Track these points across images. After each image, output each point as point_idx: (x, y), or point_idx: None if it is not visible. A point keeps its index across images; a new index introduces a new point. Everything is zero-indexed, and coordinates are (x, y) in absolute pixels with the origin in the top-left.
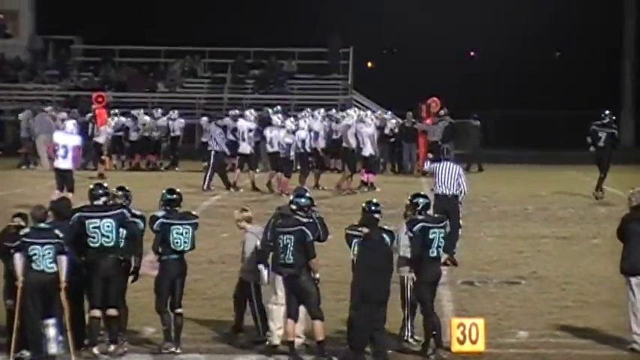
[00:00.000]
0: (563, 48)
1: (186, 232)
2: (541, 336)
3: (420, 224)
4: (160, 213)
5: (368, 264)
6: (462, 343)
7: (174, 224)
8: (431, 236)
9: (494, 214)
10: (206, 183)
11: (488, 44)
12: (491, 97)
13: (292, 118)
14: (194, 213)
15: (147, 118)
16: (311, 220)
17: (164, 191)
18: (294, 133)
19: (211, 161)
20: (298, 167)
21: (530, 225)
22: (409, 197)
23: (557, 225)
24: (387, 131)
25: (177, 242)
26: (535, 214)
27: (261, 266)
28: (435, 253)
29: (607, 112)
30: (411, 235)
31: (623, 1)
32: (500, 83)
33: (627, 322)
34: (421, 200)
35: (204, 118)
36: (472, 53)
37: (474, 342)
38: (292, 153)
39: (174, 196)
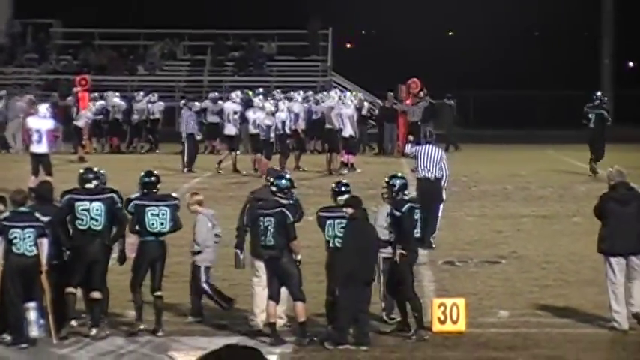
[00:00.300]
0: (541, 28)
1: (162, 214)
2: (522, 315)
3: (409, 204)
4: (134, 195)
5: (354, 244)
6: (443, 322)
7: (149, 206)
8: (416, 217)
9: (474, 194)
10: (185, 166)
11: (466, 25)
12: (470, 78)
13: (272, 100)
14: (174, 195)
15: (116, 100)
16: (291, 202)
17: (142, 174)
18: (273, 114)
19: (185, 144)
20: (278, 149)
21: (509, 204)
22: (386, 179)
23: (537, 204)
24: (364, 112)
25: (152, 224)
26: (515, 193)
27: (237, 250)
28: (419, 234)
29: (598, 93)
30: (399, 214)
31: None
32: (478, 63)
33: (607, 300)
34: (398, 182)
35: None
36: (450, 33)
37: (455, 322)
38: (272, 135)
39: (152, 178)
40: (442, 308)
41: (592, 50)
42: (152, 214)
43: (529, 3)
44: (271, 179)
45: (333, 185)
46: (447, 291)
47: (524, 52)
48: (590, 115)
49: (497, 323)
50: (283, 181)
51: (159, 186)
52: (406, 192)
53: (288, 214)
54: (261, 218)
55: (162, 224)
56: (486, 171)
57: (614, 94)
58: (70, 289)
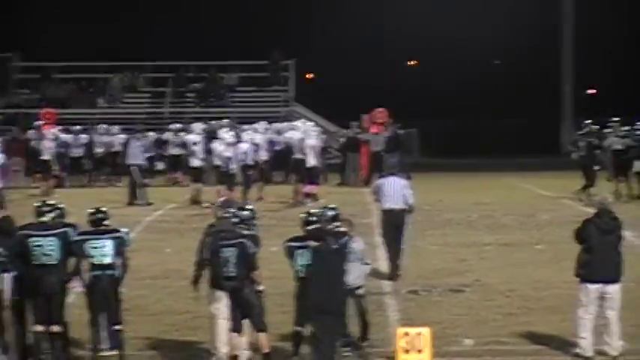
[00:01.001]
0: (502, 56)
1: (103, 246)
2: (486, 343)
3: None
4: (76, 231)
5: (323, 274)
6: (407, 352)
7: (89, 239)
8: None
9: (438, 223)
10: (138, 198)
11: (428, 54)
12: (433, 107)
13: (232, 131)
14: (122, 229)
15: (63, 135)
16: (252, 233)
17: (89, 211)
18: (233, 146)
19: (135, 176)
20: (241, 180)
21: (473, 232)
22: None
23: (501, 232)
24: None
25: (94, 257)
26: (478, 221)
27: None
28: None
29: (587, 122)
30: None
31: (561, 11)
32: (441, 92)
33: (572, 327)
34: (244, 213)
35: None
36: (412, 63)
37: (419, 351)
38: (234, 166)
39: (98, 215)
40: (407, 338)
41: (552, 78)
42: (93, 248)
43: (490, 32)
44: (232, 210)
45: (303, 215)
46: (411, 320)
47: (485, 80)
48: (580, 143)
49: (462, 352)
50: (245, 212)
51: (107, 222)
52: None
53: (249, 244)
54: (223, 249)
55: (103, 256)
56: (450, 199)
57: (575, 122)
58: (39, 328)
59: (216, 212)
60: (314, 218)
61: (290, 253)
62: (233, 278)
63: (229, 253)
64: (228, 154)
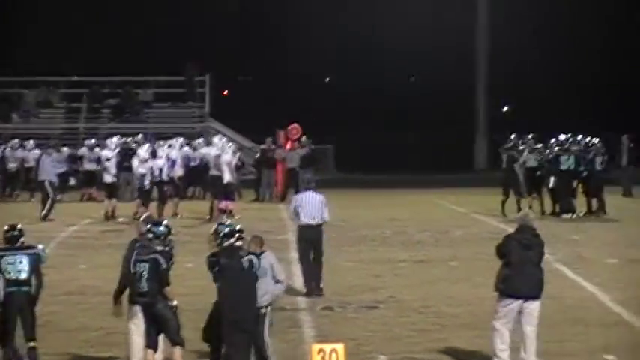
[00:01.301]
0: (418, 73)
1: (19, 262)
2: (400, 359)
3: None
4: None
5: (233, 292)
6: None
7: (4, 256)
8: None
9: (353, 239)
10: (50, 213)
11: (343, 69)
12: (349, 122)
13: (146, 147)
14: (38, 246)
15: None
16: (166, 249)
17: (4, 228)
18: (147, 162)
19: (48, 192)
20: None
21: (388, 249)
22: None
23: (415, 248)
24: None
25: (9, 272)
26: (393, 237)
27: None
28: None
29: (512, 136)
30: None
31: (476, 26)
32: (357, 108)
33: (486, 343)
34: (160, 229)
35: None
36: (327, 79)
37: None
38: (147, 182)
39: (13, 232)
40: (321, 354)
41: (467, 94)
42: (8, 263)
43: (406, 48)
44: (148, 226)
45: (210, 232)
46: (326, 336)
47: (402, 96)
48: (502, 156)
49: None
50: (161, 228)
51: (22, 239)
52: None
53: (162, 260)
54: (138, 264)
55: (19, 271)
56: (365, 216)
57: (489, 137)
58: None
59: (140, 228)
60: (220, 234)
61: (212, 267)
62: (145, 294)
63: (142, 269)
64: (142, 170)
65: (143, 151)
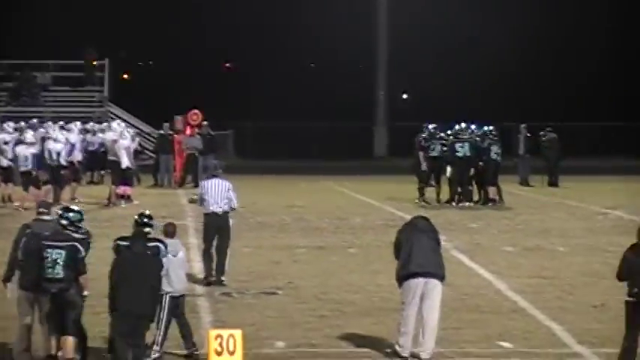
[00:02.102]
0: (318, 60)
1: None
2: (298, 345)
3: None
4: None
5: (125, 276)
6: (219, 354)
7: None
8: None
9: (252, 225)
10: None
11: (245, 55)
12: (249, 109)
13: (31, 131)
14: None
15: None
16: (83, 237)
17: None
18: (33, 146)
19: None
20: (54, 180)
21: (287, 235)
22: (59, 211)
23: (314, 235)
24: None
25: None
26: (292, 224)
27: (9, 283)
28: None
29: (430, 125)
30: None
31: (376, 17)
32: (257, 94)
33: (384, 330)
34: (72, 215)
35: None
36: (228, 65)
37: (231, 353)
38: (30, 165)
39: None
40: (219, 340)
41: (367, 83)
42: None
43: (306, 35)
44: (59, 212)
45: (136, 217)
46: (223, 322)
47: (301, 83)
48: (433, 146)
49: (273, 354)
50: (72, 214)
51: None
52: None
53: (81, 248)
54: (49, 250)
55: None
56: (264, 202)
57: (389, 126)
58: None
59: (39, 211)
60: (147, 220)
61: (120, 251)
62: (59, 280)
63: (57, 255)
64: (28, 153)
65: (29, 135)
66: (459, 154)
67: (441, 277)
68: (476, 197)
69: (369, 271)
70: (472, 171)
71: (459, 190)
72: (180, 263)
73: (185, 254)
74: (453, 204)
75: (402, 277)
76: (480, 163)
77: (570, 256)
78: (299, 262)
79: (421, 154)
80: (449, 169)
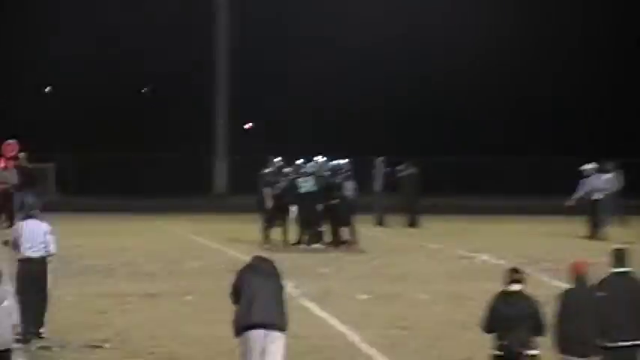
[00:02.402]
0: (151, 84)
1: None
2: None
3: None
4: None
5: None
6: None
7: None
8: None
9: (75, 271)
10: None
11: (63, 82)
12: (71, 139)
13: None
14: None
15: None
16: None
17: None
18: None
19: None
20: None
21: (114, 281)
22: None
23: (144, 281)
24: None
25: None
26: (120, 269)
27: None
28: None
29: (276, 159)
30: None
31: (216, 40)
32: (82, 123)
33: None
34: None
35: None
36: (47, 89)
37: None
38: None
39: None
40: None
41: (207, 111)
42: None
43: (137, 57)
44: None
45: None
46: None
47: (134, 110)
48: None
49: None
50: None
51: None
52: None
53: None
54: None
55: None
56: (89, 244)
57: (230, 160)
58: None
59: None
60: None
61: None
62: None
63: None
64: None
65: None
66: (302, 191)
67: (283, 328)
68: (328, 239)
69: (207, 320)
70: (321, 208)
71: (307, 230)
72: (5, 312)
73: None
74: (302, 246)
75: (241, 328)
76: (333, 201)
77: (431, 305)
78: (128, 311)
79: (266, 190)
80: (292, 209)
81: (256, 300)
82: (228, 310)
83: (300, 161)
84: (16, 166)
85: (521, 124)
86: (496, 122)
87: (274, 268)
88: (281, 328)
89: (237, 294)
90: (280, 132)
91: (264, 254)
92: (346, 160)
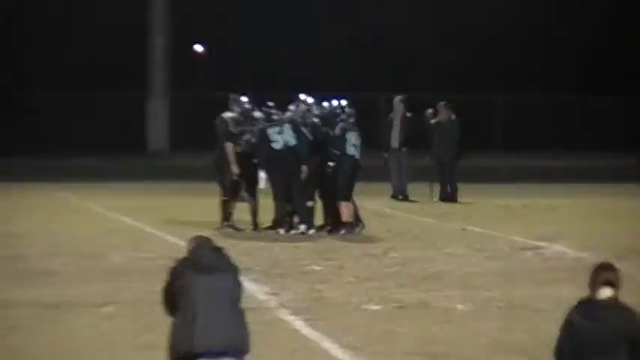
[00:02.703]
0: None
1: None
2: None
3: None
4: None
5: None
6: None
7: None
8: None
9: None
10: None
11: None
12: None
13: None
14: None
15: None
16: None
17: None
18: None
19: None
20: None
21: None
22: None
23: (41, 284)
24: None
25: None
26: (4, 267)
27: None
28: None
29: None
30: None
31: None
32: None
33: None
34: None
35: None
36: None
37: None
38: None
39: None
40: None
41: (138, 26)
42: None
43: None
44: None
45: None
46: None
47: None
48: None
49: None
50: None
51: None
52: None
53: None
54: None
55: None
56: None
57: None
58: None
59: None
60: None
61: None
62: None
63: None
64: None
65: None
66: (276, 147)
67: (243, 353)
68: (320, 219)
69: (139, 345)
70: (304, 174)
71: (287, 206)
72: None
73: None
74: (280, 231)
75: (182, 356)
76: (329, 164)
77: (475, 320)
78: (16, 331)
79: (227, 145)
80: (262, 175)
81: (200, 313)
82: (163, 326)
83: (270, 103)
84: None
85: None
86: None
87: (226, 259)
88: (241, 352)
89: (172, 303)
90: (246, 59)
91: (210, 238)
92: (345, 102)
